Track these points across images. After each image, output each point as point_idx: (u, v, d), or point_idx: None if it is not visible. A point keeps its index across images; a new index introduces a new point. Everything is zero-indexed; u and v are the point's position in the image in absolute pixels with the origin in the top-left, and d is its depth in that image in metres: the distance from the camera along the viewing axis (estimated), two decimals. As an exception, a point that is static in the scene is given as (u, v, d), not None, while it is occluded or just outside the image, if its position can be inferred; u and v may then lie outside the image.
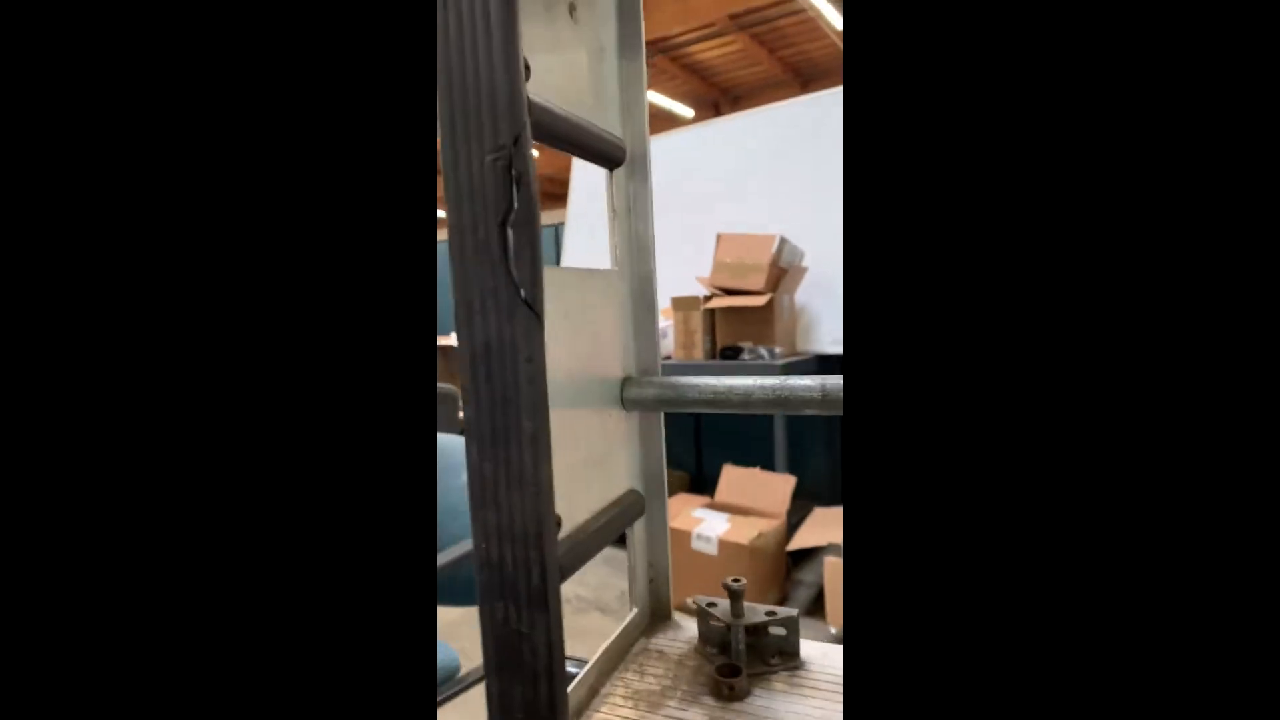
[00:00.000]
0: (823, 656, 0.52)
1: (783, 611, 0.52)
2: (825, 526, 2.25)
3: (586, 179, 3.42)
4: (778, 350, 2.62)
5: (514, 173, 0.37)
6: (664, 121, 4.95)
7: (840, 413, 0.48)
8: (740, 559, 2.08)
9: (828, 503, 2.53)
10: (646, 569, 0.59)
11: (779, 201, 2.90)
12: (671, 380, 0.53)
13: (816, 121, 2.85)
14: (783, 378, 0.50)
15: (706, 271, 2.69)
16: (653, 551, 0.59)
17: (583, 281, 0.49)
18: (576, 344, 0.47)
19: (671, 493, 2.66)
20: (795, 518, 2.39)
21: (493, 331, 0.39)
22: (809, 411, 0.49)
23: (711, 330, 2.64)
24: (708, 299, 2.60)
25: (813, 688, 0.48)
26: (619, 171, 0.54)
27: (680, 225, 3.04)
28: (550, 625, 0.40)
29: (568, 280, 0.46)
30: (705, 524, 2.23)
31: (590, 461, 0.49)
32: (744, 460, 2.58)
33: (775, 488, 2.35)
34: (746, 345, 2.64)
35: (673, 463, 2.96)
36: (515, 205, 0.37)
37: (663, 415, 0.59)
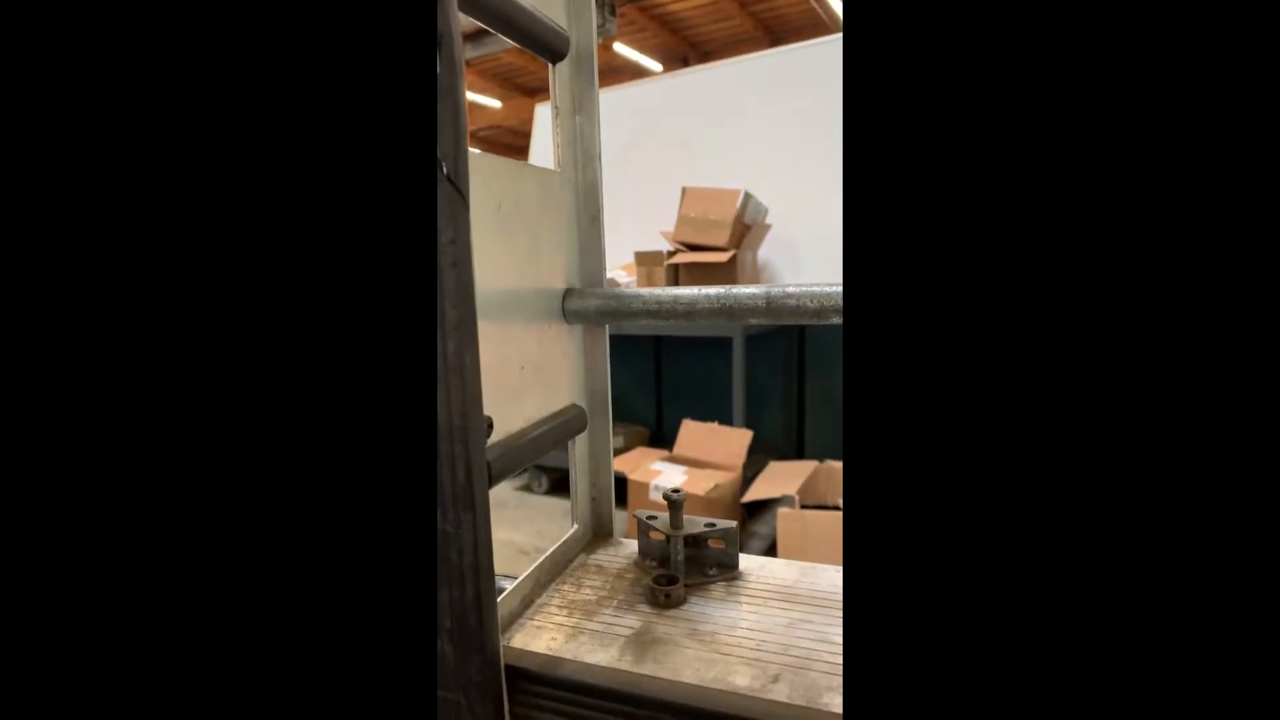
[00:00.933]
0: (760, 568, 0.52)
1: (721, 523, 0.51)
2: (779, 479, 2.29)
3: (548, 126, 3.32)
4: (739, 306, 2.62)
5: (436, 34, 0.34)
6: (632, 75, 4.81)
7: (781, 321, 0.47)
8: (696, 510, 2.11)
9: (782, 456, 2.58)
10: (589, 487, 0.58)
11: (744, 157, 2.87)
12: (615, 291, 0.51)
13: (784, 76, 2.81)
14: (727, 287, 0.48)
15: (670, 226, 2.66)
16: (595, 469, 0.58)
17: (517, 175, 0.46)
18: (512, 242, 0.45)
19: (631, 446, 2.67)
20: (751, 471, 2.43)
21: (414, 211, 0.36)
22: (754, 320, 0.48)
23: (675, 284, 2.62)
24: (671, 254, 2.58)
25: (750, 595, 0.48)
26: (563, 66, 0.51)
27: (644, 179, 2.99)
28: (477, 524, 0.39)
29: (499, 170, 0.44)
30: (663, 476, 2.25)
31: (527, 371, 0.48)
32: (703, 415, 2.60)
33: (732, 442, 2.38)
34: (708, 301, 2.62)
35: (633, 417, 2.96)
36: (437, 73, 0.34)
37: (607, 332, 0.57)
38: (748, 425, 2.43)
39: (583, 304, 0.51)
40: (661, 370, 3.05)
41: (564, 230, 0.52)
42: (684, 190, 2.63)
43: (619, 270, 2.77)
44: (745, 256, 2.59)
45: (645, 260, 2.60)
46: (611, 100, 3.32)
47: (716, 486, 2.20)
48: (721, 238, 2.49)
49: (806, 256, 2.77)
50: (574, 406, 0.54)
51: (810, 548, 1.98)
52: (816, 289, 0.45)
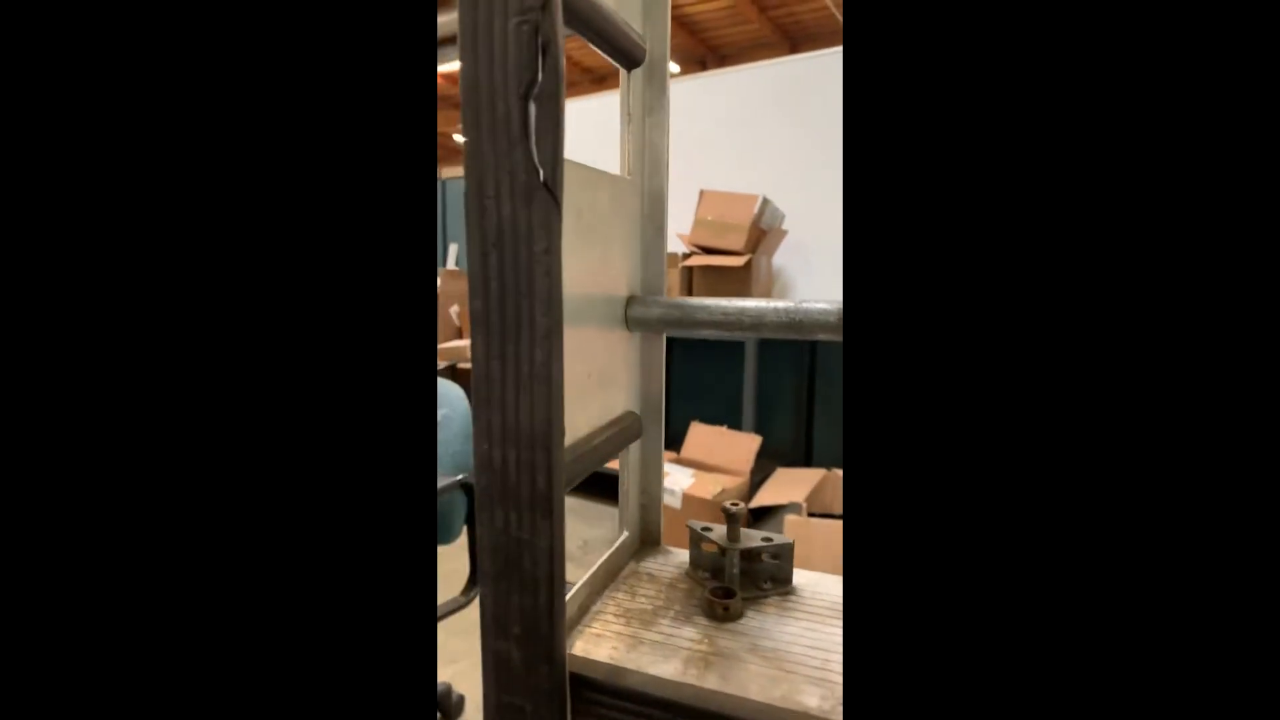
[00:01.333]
0: (815, 584, 0.52)
1: (778, 538, 0.51)
2: (787, 486, 2.29)
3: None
4: (752, 312, 2.61)
5: (540, 40, 0.34)
6: (648, 75, 4.80)
7: (853, 338, 0.47)
8: (703, 513, 2.11)
9: (790, 463, 2.58)
10: (639, 494, 0.58)
11: (762, 162, 2.87)
12: (679, 301, 0.51)
13: (804, 83, 2.81)
14: (798, 301, 0.48)
15: (686, 228, 2.66)
16: (645, 477, 0.57)
17: (594, 182, 0.46)
18: (588, 250, 0.45)
19: (638, 448, 2.67)
20: (758, 476, 2.43)
21: (507, 217, 0.36)
22: (823, 337, 0.48)
23: (689, 289, 2.62)
24: (686, 256, 2.57)
25: (805, 611, 0.48)
26: (636, 73, 0.51)
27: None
28: (553, 532, 0.39)
29: (579, 177, 0.43)
30: (671, 478, 2.25)
31: (592, 378, 0.47)
32: (712, 418, 2.60)
33: (740, 446, 2.38)
34: (722, 305, 2.62)
35: (640, 419, 2.96)
36: (540, 77, 0.34)
37: (665, 340, 0.57)
38: (757, 430, 2.43)
39: (645, 312, 0.51)
40: (671, 370, 3.05)
41: (631, 238, 0.52)
42: (701, 193, 2.62)
43: (633, 270, 2.76)
44: (760, 261, 2.59)
45: (660, 261, 2.59)
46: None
47: (724, 490, 2.20)
48: (738, 242, 2.49)
49: (819, 262, 2.77)
50: (631, 414, 0.53)
51: (816, 556, 1.98)
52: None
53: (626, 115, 0.51)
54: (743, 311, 0.49)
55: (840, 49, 2.95)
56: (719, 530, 0.52)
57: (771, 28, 5.19)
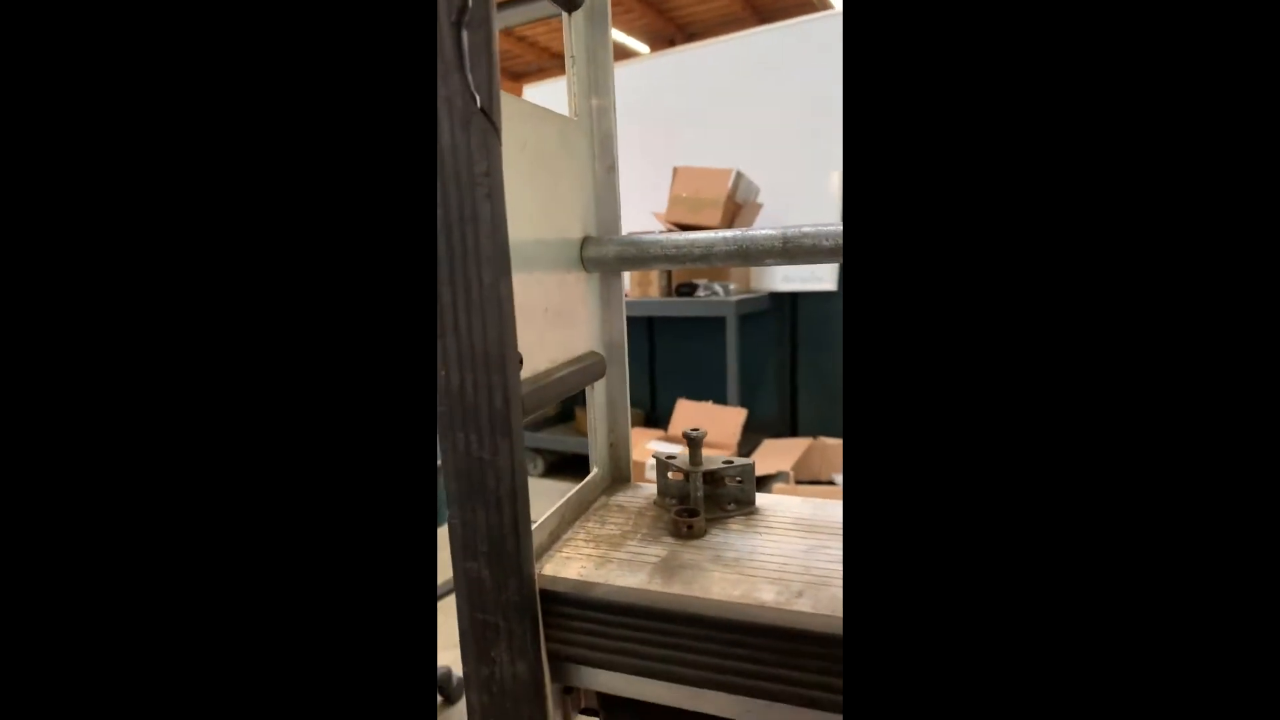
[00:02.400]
0: (776, 504, 0.54)
1: (739, 460, 0.53)
2: (774, 456, 2.32)
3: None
4: (732, 287, 2.64)
5: (469, -33, 0.35)
6: (619, 57, 4.78)
7: (798, 261, 0.49)
8: (693, 485, 2.13)
9: (776, 434, 2.61)
10: (607, 433, 0.59)
11: (734, 137, 2.87)
12: (633, 238, 0.53)
13: (772, 55, 2.81)
14: (743, 230, 0.50)
15: (662, 207, 2.66)
16: (613, 416, 0.59)
17: (539, 118, 0.47)
18: (535, 184, 0.46)
19: (626, 428, 2.69)
20: (746, 449, 2.46)
21: (446, 145, 0.37)
22: (769, 262, 0.49)
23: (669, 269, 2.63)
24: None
25: (766, 527, 0.50)
26: (577, 16, 0.52)
27: (634, 160, 2.99)
28: (513, 451, 0.40)
29: (522, 111, 0.45)
30: (660, 454, 2.27)
31: (549, 314, 0.49)
32: (697, 395, 2.62)
33: (727, 420, 2.40)
34: (701, 282, 2.65)
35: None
36: (470, 3, 0.35)
37: (624, 282, 0.58)
38: (742, 404, 2.46)
39: (601, 251, 0.53)
40: (655, 351, 3.06)
41: (581, 178, 0.53)
42: (675, 170, 2.63)
43: (611, 252, 2.77)
44: (737, 236, 2.60)
45: (638, 241, 2.60)
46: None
47: (712, 463, 2.22)
48: (714, 217, 2.50)
49: (797, 236, 2.78)
50: (593, 354, 0.55)
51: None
52: (831, 228, 0.47)
53: (571, 58, 0.53)
54: (692, 243, 0.50)
55: (810, 18, 2.93)
56: (682, 456, 0.54)
57: (740, 3, 5.18)
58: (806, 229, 0.48)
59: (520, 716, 0.42)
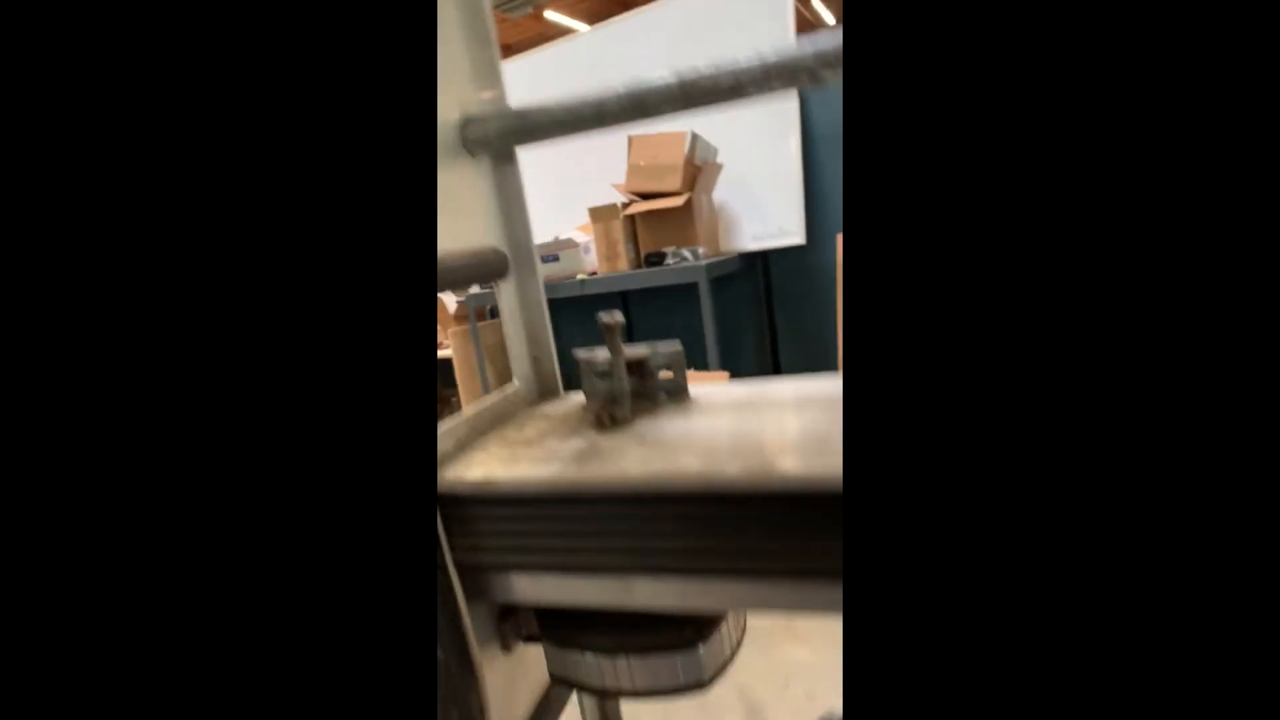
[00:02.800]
0: (712, 392, 0.49)
1: (665, 344, 0.48)
2: (763, 415, 2.27)
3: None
4: (701, 251, 2.59)
5: None
6: (559, 35, 4.71)
7: (697, 105, 0.44)
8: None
9: (765, 395, 2.56)
10: (528, 344, 0.54)
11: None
12: (519, 110, 0.47)
13: (718, 14, 2.76)
14: (637, 80, 0.44)
15: (621, 179, 2.61)
16: (531, 325, 0.54)
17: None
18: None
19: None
20: (734, 411, 2.41)
21: None
22: (669, 109, 0.44)
23: (634, 238, 2.58)
24: (626, 206, 2.53)
25: (701, 411, 0.45)
26: None
27: (588, 136, 2.93)
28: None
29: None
30: (645, 426, 2.22)
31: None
32: (679, 364, 2.57)
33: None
34: (670, 249, 2.59)
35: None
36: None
37: (519, 173, 0.53)
38: (722, 367, 2.41)
39: (483, 130, 0.47)
40: (632, 324, 3.01)
41: (452, 50, 0.48)
42: (630, 139, 2.58)
43: (576, 231, 2.72)
44: (700, 199, 2.55)
45: (600, 216, 2.55)
46: (544, 60, 3.24)
47: (700, 428, 2.18)
48: (674, 182, 2.45)
49: (763, 194, 2.74)
50: (493, 249, 0.50)
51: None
52: (727, 64, 0.42)
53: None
54: (583, 102, 0.45)
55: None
56: (602, 351, 0.48)
57: (684, -22, 5.11)
58: (703, 69, 0.43)
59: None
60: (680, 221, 2.49)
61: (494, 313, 2.96)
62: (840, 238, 2.39)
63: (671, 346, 0.48)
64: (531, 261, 0.53)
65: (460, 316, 2.97)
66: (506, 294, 0.52)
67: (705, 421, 0.43)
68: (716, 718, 1.39)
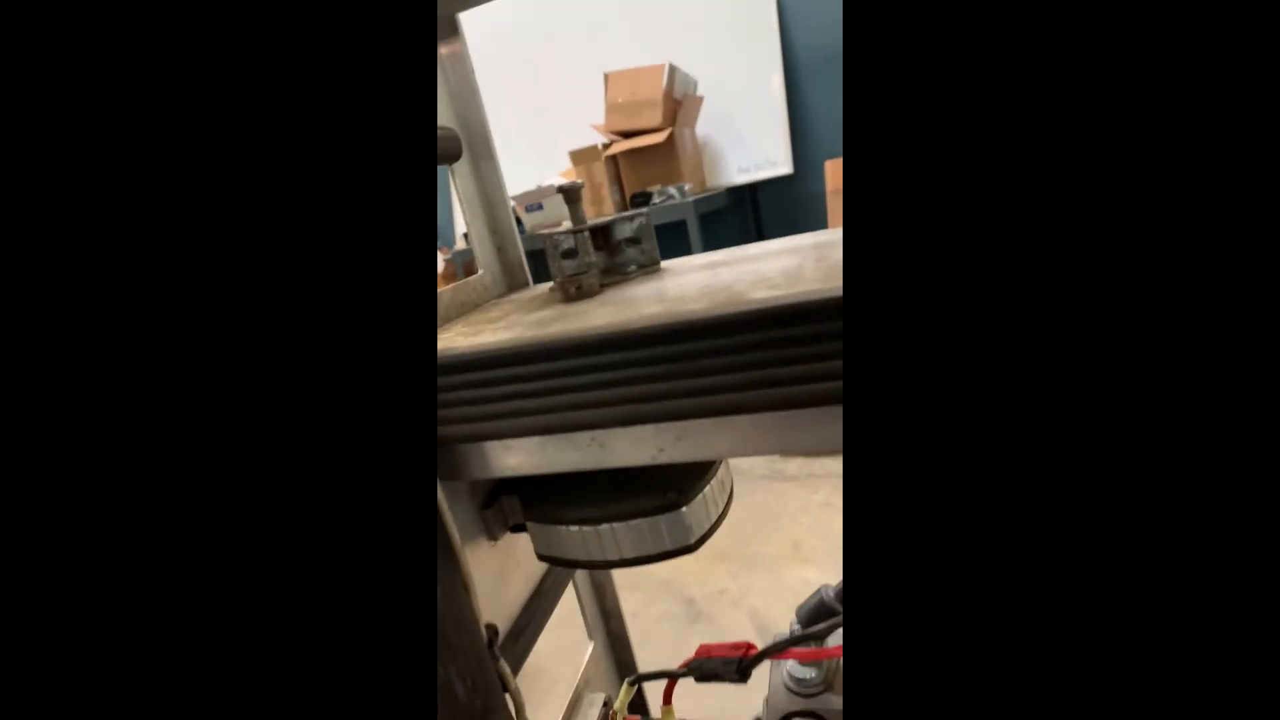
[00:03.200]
0: (687, 261, 0.47)
1: (631, 211, 0.45)
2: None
3: None
4: (687, 187, 2.54)
5: None
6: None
7: None
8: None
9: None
10: (488, 233, 0.51)
11: (664, 34, 2.72)
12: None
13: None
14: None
15: (600, 118, 2.54)
16: (490, 210, 0.51)
17: None
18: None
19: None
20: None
21: None
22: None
23: (618, 179, 2.52)
24: (607, 147, 2.47)
25: (674, 275, 0.43)
26: None
27: (564, 78, 2.83)
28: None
29: None
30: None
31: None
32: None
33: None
34: (655, 188, 2.54)
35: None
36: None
37: (467, 52, 0.49)
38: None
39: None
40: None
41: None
42: (606, 76, 2.50)
43: (558, 177, 2.66)
44: (684, 134, 2.49)
45: (581, 158, 2.49)
46: (512, 4, 3.11)
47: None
48: (654, 118, 2.38)
49: (747, 125, 2.66)
50: (443, 127, 0.47)
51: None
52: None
53: None
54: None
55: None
56: (567, 223, 0.46)
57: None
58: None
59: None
60: (664, 158, 2.43)
61: (482, 269, 2.92)
62: (829, 165, 2.33)
63: (639, 213, 0.45)
64: (488, 146, 0.50)
65: (448, 274, 2.93)
66: (463, 179, 0.49)
67: (676, 280, 0.40)
68: (730, 637, 1.42)
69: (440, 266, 3.00)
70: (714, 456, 0.35)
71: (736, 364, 0.31)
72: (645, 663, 0.64)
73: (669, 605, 1.59)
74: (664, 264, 0.46)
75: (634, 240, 0.46)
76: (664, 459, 0.35)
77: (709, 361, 0.31)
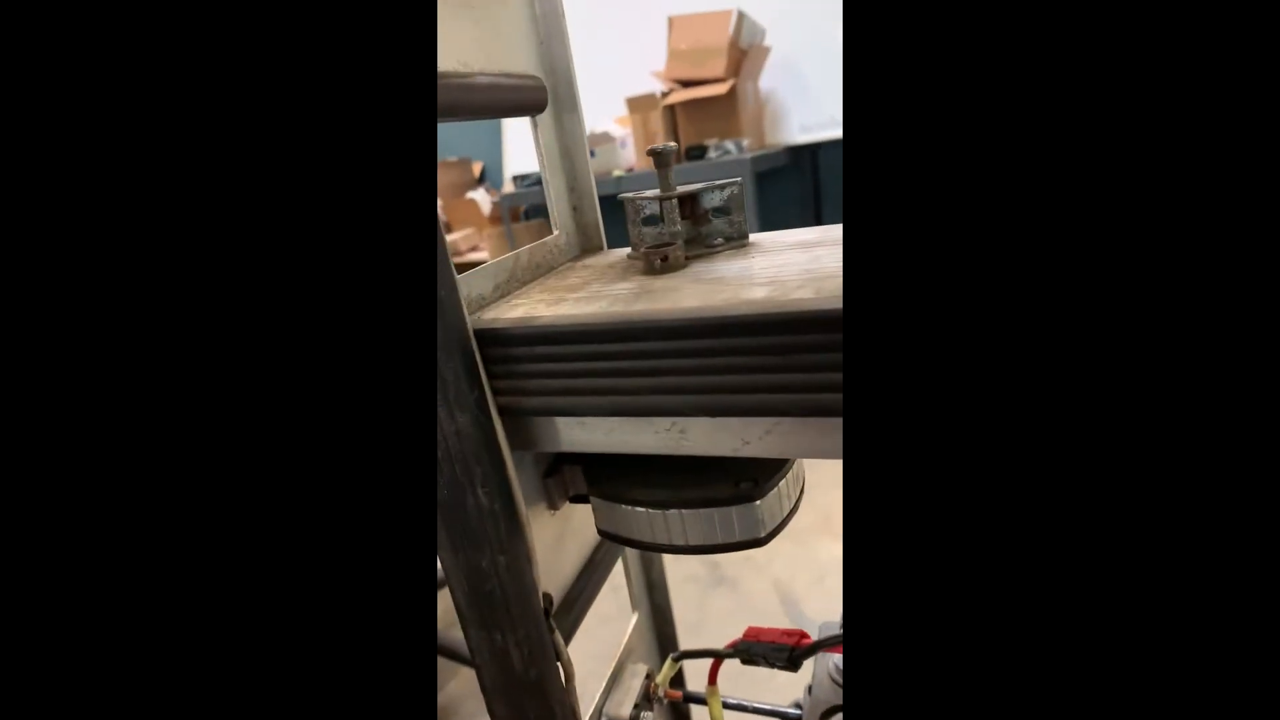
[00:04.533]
0: (777, 236, 0.44)
1: (725, 181, 0.43)
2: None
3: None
4: (745, 143, 2.45)
5: None
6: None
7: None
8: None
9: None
10: (567, 192, 0.49)
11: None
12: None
13: None
14: None
15: (661, 65, 2.44)
16: (571, 171, 0.49)
17: None
18: None
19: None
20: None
21: None
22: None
23: (674, 130, 2.44)
24: (665, 95, 2.38)
25: (764, 252, 0.40)
26: None
27: (625, 18, 2.72)
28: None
29: None
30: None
31: (451, 6, 0.38)
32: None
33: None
34: (712, 142, 2.46)
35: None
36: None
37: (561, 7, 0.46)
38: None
39: (516, -74, 0.40)
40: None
41: None
42: (670, 21, 2.39)
43: (613, 124, 2.58)
44: (746, 87, 2.38)
45: (638, 106, 2.41)
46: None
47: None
48: (718, 68, 2.28)
49: (815, 82, 2.53)
50: (530, 76, 0.44)
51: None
52: None
53: None
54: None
55: None
56: (653, 190, 0.43)
57: None
58: None
59: (474, 476, 0.35)
60: (724, 111, 2.34)
61: (529, 214, 2.89)
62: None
63: (731, 181, 0.42)
64: (573, 97, 0.47)
65: (495, 218, 2.91)
66: (544, 131, 0.47)
67: (769, 260, 0.38)
68: (752, 608, 1.43)
69: (487, 209, 2.98)
70: (802, 456, 0.33)
71: (839, 362, 0.28)
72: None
73: (693, 566, 1.60)
74: (753, 238, 0.44)
75: (723, 210, 0.43)
76: (747, 453, 0.33)
77: (811, 357, 0.29)
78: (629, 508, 0.40)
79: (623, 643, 0.57)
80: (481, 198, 2.98)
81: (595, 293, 0.38)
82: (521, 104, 0.43)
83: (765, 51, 2.41)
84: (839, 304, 0.28)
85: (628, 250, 0.47)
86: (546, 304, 0.37)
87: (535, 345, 0.34)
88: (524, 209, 2.89)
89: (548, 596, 0.42)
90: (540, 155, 0.47)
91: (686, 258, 0.41)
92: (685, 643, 0.64)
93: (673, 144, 0.41)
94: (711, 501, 0.38)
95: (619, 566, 0.58)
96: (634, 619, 0.59)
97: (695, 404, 0.32)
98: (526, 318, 0.35)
